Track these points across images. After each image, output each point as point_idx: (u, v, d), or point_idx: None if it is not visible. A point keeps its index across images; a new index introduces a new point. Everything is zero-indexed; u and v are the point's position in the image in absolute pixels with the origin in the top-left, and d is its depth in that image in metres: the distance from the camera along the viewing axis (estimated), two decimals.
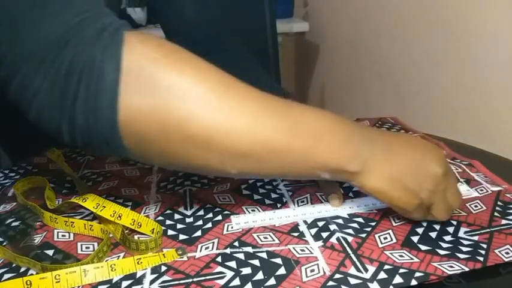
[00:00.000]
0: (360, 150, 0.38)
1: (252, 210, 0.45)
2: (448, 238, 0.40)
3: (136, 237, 0.41)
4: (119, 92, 0.32)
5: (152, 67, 0.33)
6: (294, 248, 0.39)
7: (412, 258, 0.37)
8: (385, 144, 0.39)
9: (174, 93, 0.33)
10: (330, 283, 0.35)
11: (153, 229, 0.41)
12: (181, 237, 0.41)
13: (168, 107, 0.33)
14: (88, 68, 0.32)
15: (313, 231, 0.42)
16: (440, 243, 0.40)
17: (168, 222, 0.44)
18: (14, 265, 0.38)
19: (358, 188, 0.40)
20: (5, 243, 0.42)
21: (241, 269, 0.37)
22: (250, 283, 0.35)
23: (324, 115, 0.38)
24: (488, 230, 0.41)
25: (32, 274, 0.37)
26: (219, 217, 0.44)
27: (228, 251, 0.39)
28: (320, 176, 0.38)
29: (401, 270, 0.36)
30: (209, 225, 0.43)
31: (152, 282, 0.35)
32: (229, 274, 0.36)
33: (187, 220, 0.44)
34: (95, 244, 0.41)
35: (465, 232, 0.41)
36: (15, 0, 0.33)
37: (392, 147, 0.39)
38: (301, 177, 0.42)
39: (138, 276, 0.36)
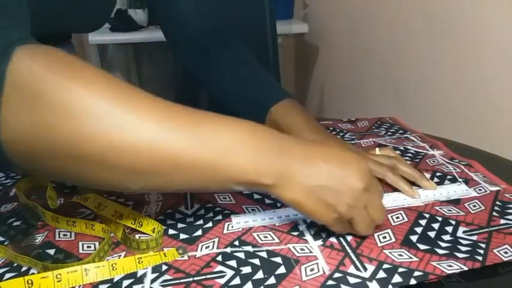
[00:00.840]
0: (274, 162, 0.36)
1: (252, 210, 0.46)
2: (447, 238, 0.40)
3: (137, 236, 0.41)
4: (0, 110, 0.31)
5: (36, 84, 0.31)
6: (293, 247, 0.39)
7: (411, 258, 0.38)
8: (304, 156, 0.37)
9: (59, 111, 0.31)
10: (330, 282, 0.35)
11: (154, 228, 0.41)
12: (182, 236, 0.42)
13: (53, 125, 0.31)
14: None
15: (313, 230, 0.42)
16: (439, 242, 0.40)
17: (168, 221, 0.44)
18: (15, 264, 0.39)
19: (277, 198, 0.38)
20: (6, 243, 0.42)
21: (241, 268, 0.37)
22: (250, 282, 0.35)
23: (237, 126, 0.37)
24: (487, 229, 0.42)
25: (33, 273, 0.37)
26: (220, 216, 0.45)
27: (228, 250, 0.39)
28: (233, 189, 0.37)
29: (400, 270, 0.36)
30: (209, 224, 0.43)
31: (153, 281, 0.36)
32: (230, 273, 0.36)
33: (188, 219, 0.44)
34: (96, 243, 0.41)
35: (464, 232, 0.41)
36: None
37: (312, 159, 0.37)
38: (213, 191, 0.41)
39: (139, 275, 0.36)
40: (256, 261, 0.38)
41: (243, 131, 0.37)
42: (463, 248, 0.39)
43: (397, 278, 0.35)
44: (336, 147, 0.40)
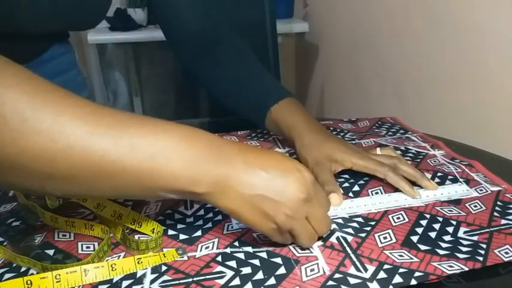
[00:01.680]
0: (209, 171, 0.35)
1: None
2: (447, 238, 0.40)
3: (136, 237, 0.41)
4: None
5: None
6: (293, 247, 0.39)
7: (411, 258, 0.37)
8: (243, 164, 0.36)
9: None
10: (330, 283, 0.35)
11: (154, 229, 0.41)
12: (182, 236, 0.41)
13: None
14: None
15: None
16: (439, 243, 0.40)
17: (168, 222, 0.44)
18: (14, 265, 0.38)
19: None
20: (5, 243, 0.42)
21: (241, 269, 0.37)
22: (250, 283, 0.35)
23: (169, 132, 0.35)
24: (487, 230, 0.41)
25: (32, 274, 0.37)
26: (219, 217, 0.44)
27: (228, 250, 0.39)
28: (165, 197, 0.36)
29: (400, 270, 0.36)
30: (209, 225, 0.43)
31: (152, 281, 0.35)
32: (230, 274, 0.36)
33: (188, 220, 0.44)
34: (95, 244, 0.41)
35: (465, 232, 0.41)
36: None
37: (251, 167, 0.36)
38: (146, 198, 0.39)
39: (138, 275, 0.36)
40: (256, 262, 0.37)
41: (175, 137, 0.35)
42: (464, 249, 0.39)
43: (397, 279, 0.35)
44: (279, 155, 0.38)
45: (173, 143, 0.35)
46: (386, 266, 0.36)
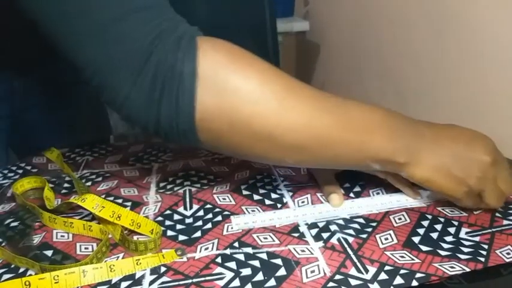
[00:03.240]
0: (408, 142, 0.40)
1: (252, 211, 0.45)
2: (449, 239, 0.40)
3: (135, 237, 0.41)
4: (195, 94, 0.36)
5: (222, 72, 0.37)
6: (294, 248, 0.39)
7: (413, 259, 0.37)
8: (433, 137, 0.41)
9: (241, 95, 0.37)
10: (330, 284, 0.34)
11: (153, 230, 0.41)
12: (181, 237, 0.41)
13: (236, 107, 0.37)
14: (170, 75, 0.36)
15: (314, 231, 0.41)
16: (441, 243, 0.39)
17: (167, 222, 0.44)
18: (12, 266, 0.38)
19: (408, 178, 0.42)
20: (3, 244, 0.41)
21: (241, 270, 0.36)
22: (250, 284, 0.35)
23: (375, 110, 0.41)
24: (489, 230, 0.41)
25: (30, 275, 0.37)
26: (219, 218, 0.44)
27: (227, 251, 0.39)
28: (370, 167, 0.41)
29: (402, 271, 0.36)
30: (209, 225, 0.43)
31: (151, 283, 0.35)
32: (229, 275, 0.36)
33: (187, 221, 0.44)
34: (94, 245, 0.41)
35: (466, 233, 0.41)
36: (100, 13, 0.35)
37: (440, 139, 0.41)
38: (353, 167, 0.44)
39: (137, 277, 0.36)
40: (256, 263, 0.37)
41: (379, 114, 0.41)
42: (466, 249, 0.38)
43: (398, 280, 0.35)
44: (459, 127, 0.44)
45: (381, 118, 0.41)
46: (387, 267, 0.36)
